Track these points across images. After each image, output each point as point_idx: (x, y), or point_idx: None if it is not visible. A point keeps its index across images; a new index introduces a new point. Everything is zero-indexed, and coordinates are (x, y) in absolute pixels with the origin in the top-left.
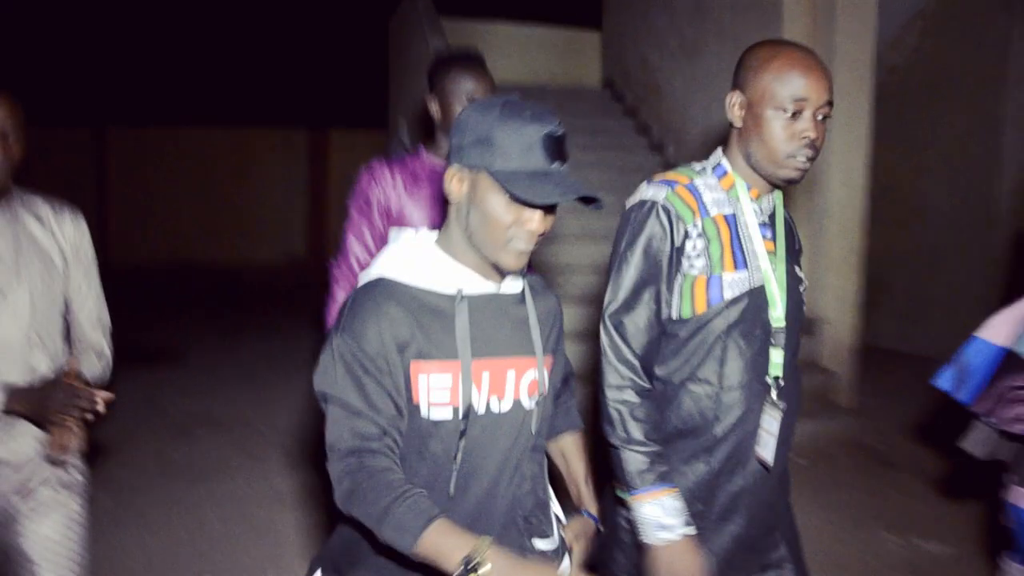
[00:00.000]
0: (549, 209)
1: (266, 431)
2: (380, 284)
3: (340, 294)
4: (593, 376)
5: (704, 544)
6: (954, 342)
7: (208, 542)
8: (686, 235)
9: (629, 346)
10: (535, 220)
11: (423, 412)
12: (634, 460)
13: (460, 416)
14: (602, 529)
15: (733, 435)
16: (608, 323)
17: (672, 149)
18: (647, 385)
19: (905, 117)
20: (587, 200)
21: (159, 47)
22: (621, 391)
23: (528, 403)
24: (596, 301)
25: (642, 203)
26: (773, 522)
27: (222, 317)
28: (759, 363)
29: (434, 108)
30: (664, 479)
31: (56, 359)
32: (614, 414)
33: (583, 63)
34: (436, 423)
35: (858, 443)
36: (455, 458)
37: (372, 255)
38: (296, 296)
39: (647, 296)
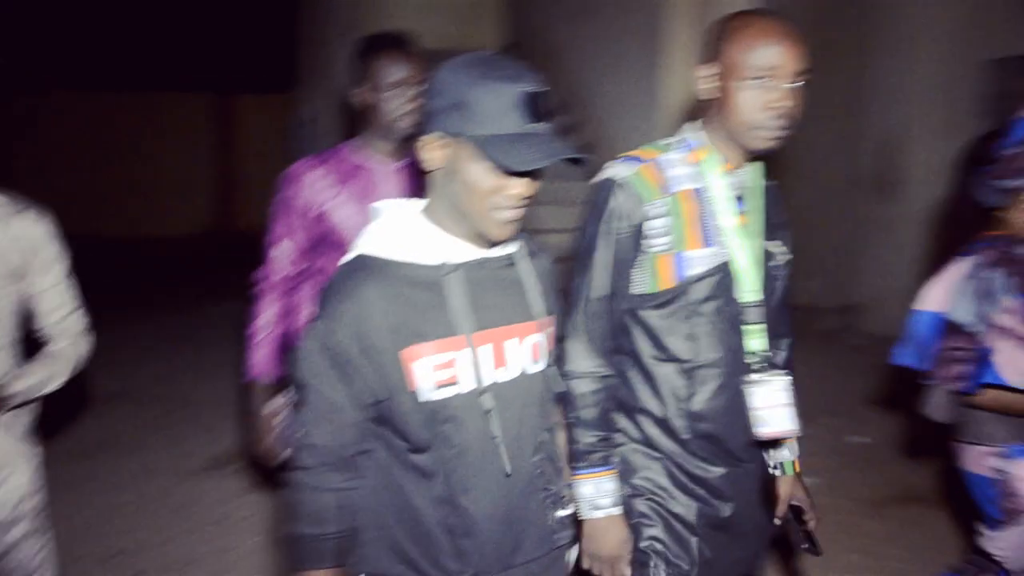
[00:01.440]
0: (535, 172)
1: (177, 405)
2: (361, 262)
3: (264, 306)
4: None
5: (679, 524)
6: (824, 290)
7: (125, 518)
8: (648, 214)
9: (598, 332)
10: (520, 186)
11: (423, 396)
12: (581, 441)
13: (477, 392)
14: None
15: (704, 412)
16: (579, 309)
17: (574, 112)
18: (608, 372)
19: None
20: (573, 160)
21: (50, 6)
22: (584, 375)
23: (533, 369)
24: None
25: (605, 182)
26: (750, 518)
27: (126, 293)
28: (733, 339)
29: (357, 99)
30: (605, 462)
31: (11, 357)
32: (573, 395)
33: (484, 27)
34: (443, 402)
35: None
36: (493, 437)
37: (299, 261)
38: (203, 270)
39: (615, 278)
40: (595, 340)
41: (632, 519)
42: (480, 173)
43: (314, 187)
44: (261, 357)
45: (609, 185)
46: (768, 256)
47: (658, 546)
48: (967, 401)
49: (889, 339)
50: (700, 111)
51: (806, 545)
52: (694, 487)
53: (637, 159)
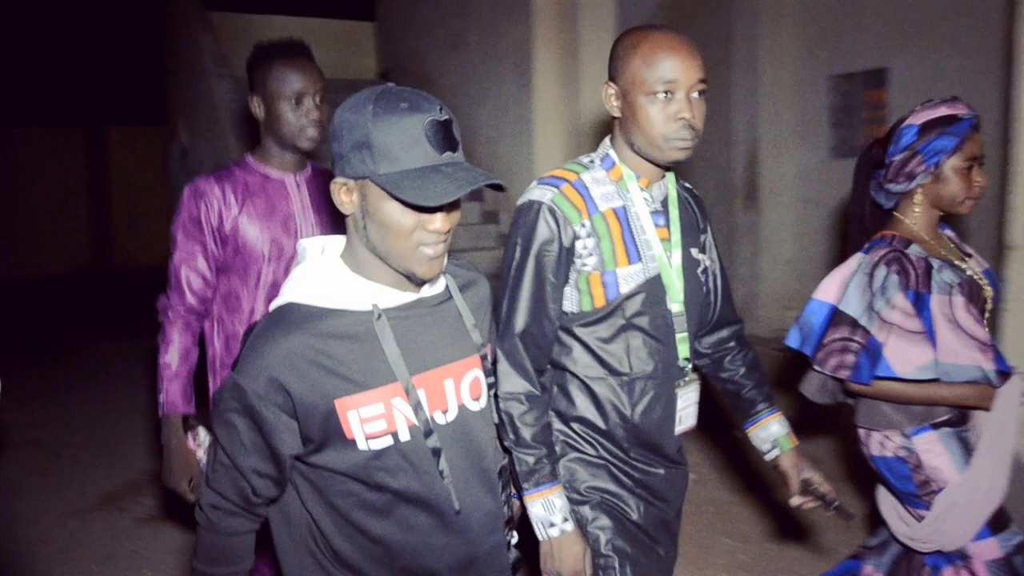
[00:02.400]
0: (452, 204)
1: (57, 448)
2: (288, 311)
3: (175, 335)
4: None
5: (630, 525)
6: None
7: (5, 565)
8: (575, 235)
9: (527, 355)
10: (437, 220)
11: (360, 446)
12: (523, 462)
13: (417, 438)
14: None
15: (643, 422)
16: (508, 335)
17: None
18: (538, 391)
19: None
20: (492, 185)
21: None
22: (513, 397)
23: (475, 407)
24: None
25: (529, 204)
26: (674, 510)
27: (2, 336)
28: (668, 351)
29: (257, 109)
30: (550, 478)
31: None
32: (505, 418)
33: (360, 55)
34: (378, 453)
35: None
36: (393, 488)
37: (209, 284)
38: (82, 308)
39: (545, 302)
40: (524, 362)
41: (588, 527)
42: (396, 213)
43: (219, 201)
44: (175, 390)
45: (536, 207)
46: (695, 264)
47: (620, 546)
48: (861, 391)
49: (761, 339)
50: (612, 129)
51: (833, 512)
52: (640, 490)
53: (557, 180)
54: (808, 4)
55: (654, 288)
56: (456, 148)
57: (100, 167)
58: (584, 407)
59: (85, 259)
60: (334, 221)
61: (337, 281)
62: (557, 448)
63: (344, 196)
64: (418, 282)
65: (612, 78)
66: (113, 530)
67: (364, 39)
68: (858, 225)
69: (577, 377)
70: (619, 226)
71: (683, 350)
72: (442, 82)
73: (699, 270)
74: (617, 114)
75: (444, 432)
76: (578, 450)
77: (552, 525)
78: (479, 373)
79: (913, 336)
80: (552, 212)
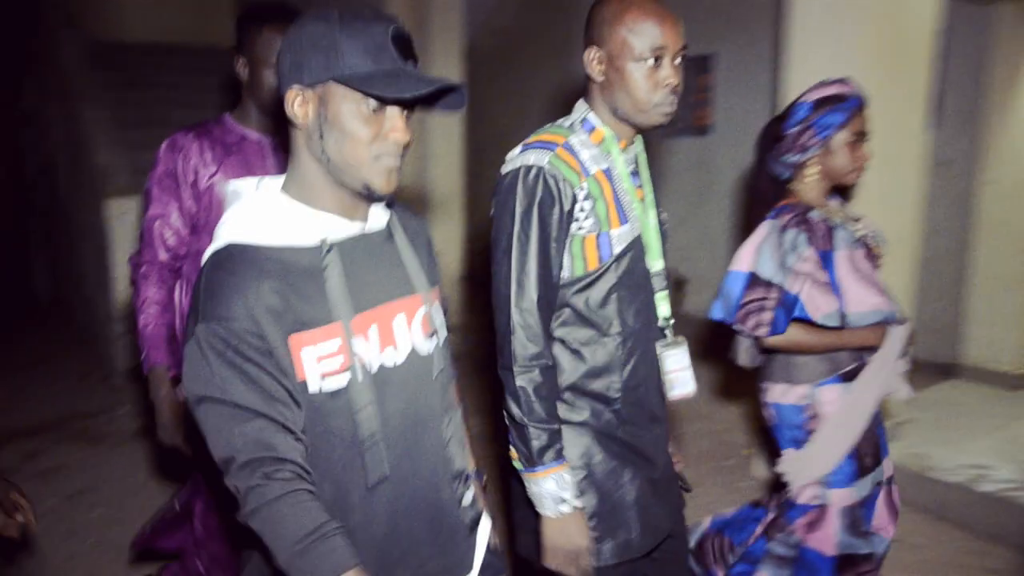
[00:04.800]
0: (407, 118)
1: None
2: (231, 251)
3: (151, 291)
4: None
5: (617, 493)
6: None
7: None
8: (574, 198)
9: (539, 323)
10: (399, 127)
11: (312, 387)
12: (537, 438)
13: (368, 378)
14: (485, 486)
15: (632, 379)
16: (523, 303)
17: None
18: (551, 362)
19: (507, 75)
20: (438, 97)
21: None
22: (529, 370)
23: (426, 347)
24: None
25: (527, 169)
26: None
27: None
28: (649, 308)
29: (241, 70)
30: (560, 455)
31: None
32: (522, 392)
33: (219, 20)
34: (332, 394)
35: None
36: (361, 431)
37: (183, 240)
38: None
39: (551, 268)
40: (540, 331)
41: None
42: (358, 116)
43: (196, 156)
44: (156, 344)
45: (535, 171)
46: (661, 223)
47: (599, 523)
48: (775, 344)
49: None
50: (586, 93)
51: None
52: (627, 453)
53: (550, 144)
54: None
55: (638, 247)
56: (416, 62)
57: None
58: (575, 373)
59: None
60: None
61: (280, 215)
62: None
63: (299, 107)
64: (375, 197)
65: (596, 43)
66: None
67: (222, 4)
68: (758, 197)
69: (567, 345)
70: (610, 188)
71: (663, 308)
72: None
73: (663, 230)
74: (600, 78)
75: (394, 373)
76: (568, 421)
77: (563, 501)
78: (427, 312)
79: (823, 287)
80: (553, 176)
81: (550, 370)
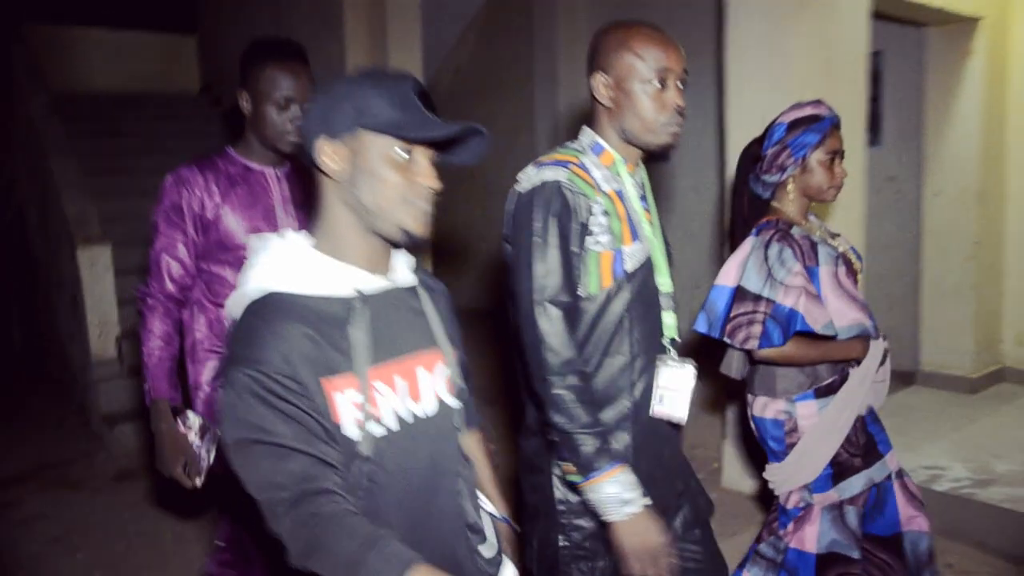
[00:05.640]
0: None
1: None
2: (264, 299)
3: (157, 324)
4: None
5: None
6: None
7: None
8: (590, 211)
9: (566, 331)
10: (429, 173)
11: (346, 431)
12: (589, 443)
13: (397, 428)
14: (517, 529)
15: (643, 400)
16: (545, 306)
17: None
18: (585, 367)
19: (468, 111)
20: (449, 147)
21: None
22: (565, 376)
23: (448, 401)
24: None
25: (544, 184)
26: (679, 482)
27: None
28: (656, 328)
29: (245, 104)
30: (616, 456)
31: None
32: (561, 401)
33: (182, 69)
34: (360, 440)
35: None
36: (375, 479)
37: (189, 272)
38: None
39: (571, 277)
40: (563, 336)
41: (572, 520)
42: (388, 163)
43: (201, 189)
44: (159, 375)
45: (552, 186)
46: (666, 245)
47: (594, 543)
48: (767, 356)
49: None
50: (592, 118)
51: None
52: (643, 470)
53: (564, 162)
54: (597, 25)
55: (648, 267)
56: (437, 114)
57: None
58: (596, 392)
59: None
60: (309, 216)
61: (310, 266)
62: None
63: (330, 157)
64: (410, 240)
65: (602, 69)
66: None
67: (186, 52)
68: (740, 215)
69: (586, 362)
70: (623, 206)
71: (668, 329)
72: None
73: (669, 252)
74: (608, 103)
75: (421, 424)
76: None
77: (628, 502)
78: (450, 370)
79: (816, 299)
80: (570, 189)
81: (587, 376)
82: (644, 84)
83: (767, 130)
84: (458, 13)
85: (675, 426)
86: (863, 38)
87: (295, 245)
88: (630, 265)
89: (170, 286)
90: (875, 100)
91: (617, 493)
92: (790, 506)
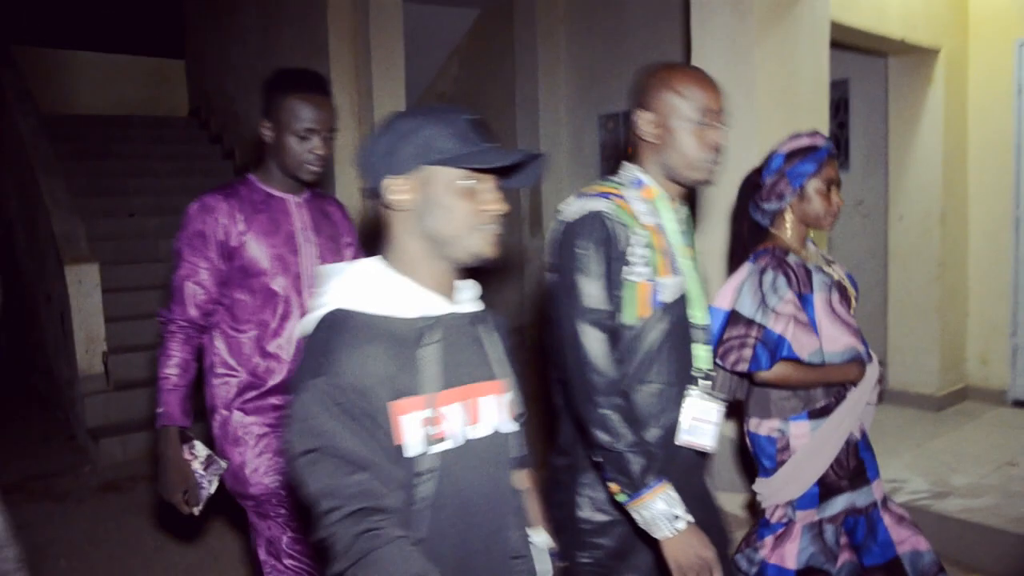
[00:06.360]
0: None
1: None
2: (342, 315)
3: (176, 350)
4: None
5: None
6: (506, 312)
7: None
8: (629, 242)
9: (609, 353)
10: (494, 199)
11: (408, 451)
12: (636, 461)
13: (458, 449)
14: (562, 564)
15: (671, 428)
16: (590, 328)
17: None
18: (627, 389)
19: None
20: (508, 172)
21: None
22: (610, 395)
23: (507, 427)
24: None
25: (588, 214)
26: (700, 512)
27: None
28: (686, 359)
29: (267, 134)
30: (661, 473)
31: None
32: (608, 420)
33: (170, 92)
34: (423, 460)
35: None
36: (423, 498)
37: (211, 298)
38: None
39: (612, 300)
40: (607, 358)
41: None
42: (455, 194)
43: (225, 217)
44: (173, 402)
45: (596, 216)
46: (703, 280)
47: (612, 559)
48: (763, 378)
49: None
50: (635, 154)
51: None
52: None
53: (607, 194)
54: (576, 55)
55: (684, 300)
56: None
57: None
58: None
59: None
60: (331, 243)
61: (386, 286)
62: (585, 463)
63: (398, 193)
64: (482, 262)
65: (645, 107)
66: None
67: (174, 76)
68: (740, 242)
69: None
70: (663, 239)
71: (700, 360)
72: (248, 121)
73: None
74: (652, 139)
75: (477, 447)
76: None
77: (677, 518)
78: (509, 399)
79: (805, 327)
80: (611, 219)
81: (628, 395)
82: (686, 122)
83: (767, 159)
84: (442, 40)
85: (701, 455)
86: (823, 67)
87: (372, 267)
88: (667, 297)
89: (192, 312)
90: (843, 126)
91: (666, 509)
92: (774, 520)
